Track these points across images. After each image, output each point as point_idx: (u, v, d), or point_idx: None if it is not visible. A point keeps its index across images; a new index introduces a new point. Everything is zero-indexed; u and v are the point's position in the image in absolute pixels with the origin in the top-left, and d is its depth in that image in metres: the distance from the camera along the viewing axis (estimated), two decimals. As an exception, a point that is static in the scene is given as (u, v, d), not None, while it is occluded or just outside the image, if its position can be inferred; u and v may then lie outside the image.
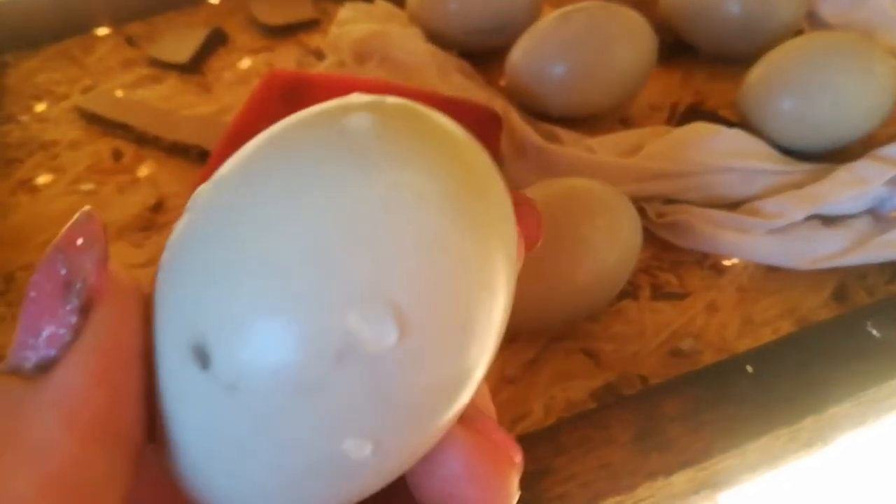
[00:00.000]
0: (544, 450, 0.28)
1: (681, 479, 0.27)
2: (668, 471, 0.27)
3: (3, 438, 0.11)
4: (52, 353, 0.12)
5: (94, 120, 0.47)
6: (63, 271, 0.12)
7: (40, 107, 0.49)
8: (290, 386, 0.12)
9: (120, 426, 0.12)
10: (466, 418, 0.14)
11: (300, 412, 0.12)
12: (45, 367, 0.12)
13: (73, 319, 0.12)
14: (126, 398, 0.12)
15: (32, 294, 0.12)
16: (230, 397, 0.12)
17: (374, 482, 0.13)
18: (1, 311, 0.37)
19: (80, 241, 0.12)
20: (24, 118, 0.48)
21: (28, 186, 0.43)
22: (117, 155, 0.45)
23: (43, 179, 0.44)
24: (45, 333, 0.12)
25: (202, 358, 0.12)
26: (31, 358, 0.12)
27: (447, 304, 0.12)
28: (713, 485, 0.28)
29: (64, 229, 0.13)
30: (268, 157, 0.13)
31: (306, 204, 0.12)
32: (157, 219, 0.40)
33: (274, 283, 0.11)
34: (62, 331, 0.12)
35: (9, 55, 0.53)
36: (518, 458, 0.15)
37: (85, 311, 0.12)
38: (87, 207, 0.13)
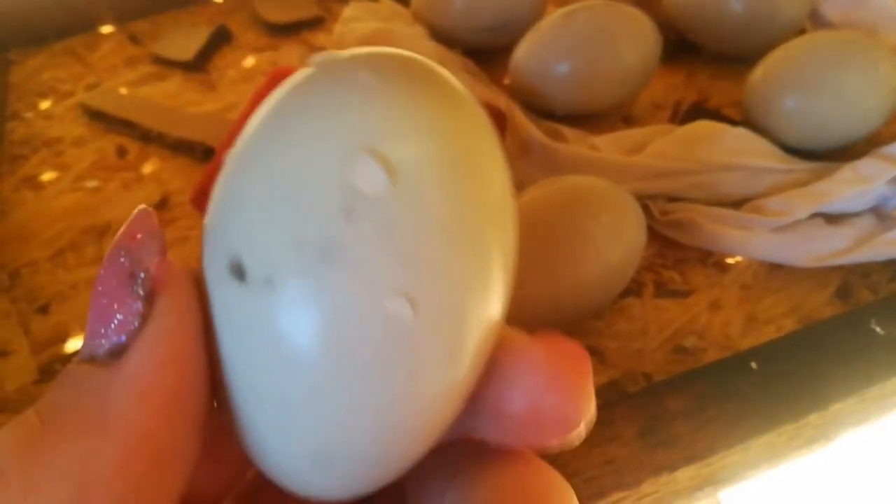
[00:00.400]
0: (549, 446, 0.28)
1: (685, 475, 0.28)
2: (673, 466, 0.27)
3: (86, 420, 0.12)
4: (123, 339, 0.13)
5: (98, 117, 0.47)
6: (127, 265, 0.13)
7: (45, 104, 0.49)
8: (314, 256, 0.12)
9: (190, 398, 0.13)
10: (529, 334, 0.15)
11: (332, 281, 0.12)
12: (118, 353, 0.13)
13: (140, 307, 0.13)
14: (193, 373, 0.13)
15: (100, 288, 0.13)
16: (270, 296, 0.13)
17: (432, 363, 0.13)
18: (6, 307, 0.37)
19: (139, 237, 0.14)
20: (29, 115, 0.48)
21: (33, 183, 0.43)
22: (122, 152, 0.45)
23: (47, 176, 0.44)
24: (114, 322, 0.13)
25: (238, 272, 0.13)
26: (104, 345, 0.13)
27: (430, 146, 0.13)
28: (716, 482, 0.28)
29: (124, 226, 0.14)
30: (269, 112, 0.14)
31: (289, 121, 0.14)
32: (161, 216, 0.40)
33: (271, 170, 0.13)
34: (130, 318, 0.13)
35: (13, 52, 0.53)
36: (589, 364, 0.15)
37: (149, 299, 0.13)
38: (142, 206, 0.14)
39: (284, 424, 0.13)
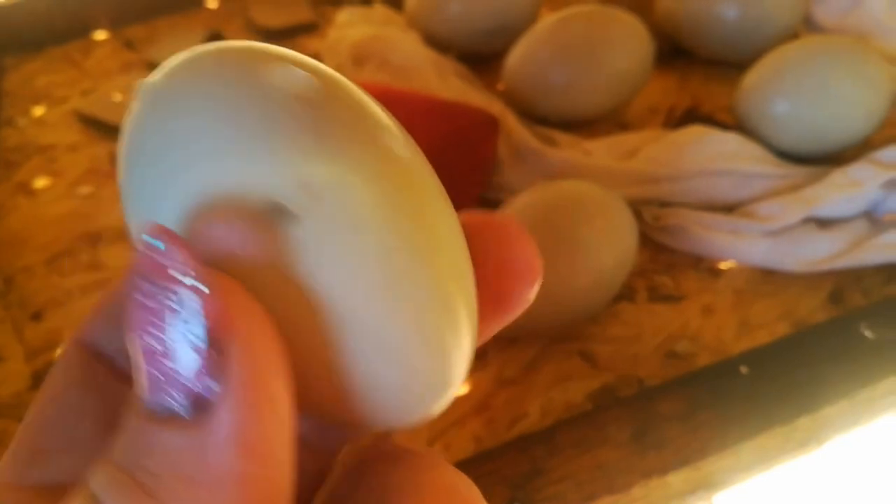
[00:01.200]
0: (539, 450, 0.29)
1: (676, 479, 0.28)
2: (664, 470, 0.27)
3: (197, 485, 0.11)
4: (205, 394, 0.11)
5: (92, 123, 0.47)
6: (171, 308, 0.11)
7: (39, 110, 0.49)
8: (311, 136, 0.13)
9: (288, 422, 0.12)
10: None
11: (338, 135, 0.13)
12: (202, 407, 0.11)
13: (213, 359, 0.11)
14: (288, 396, 0.12)
15: (159, 346, 0.11)
16: (322, 205, 0.13)
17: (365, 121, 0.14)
18: (0, 313, 0.37)
19: (171, 271, 0.11)
20: (23, 121, 0.48)
21: (26, 190, 0.43)
22: (115, 159, 0.45)
23: (41, 183, 0.44)
24: (189, 379, 0.11)
25: (283, 212, 0.13)
26: (182, 402, 0.12)
27: None
28: (709, 485, 0.28)
29: (140, 254, 0.11)
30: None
31: None
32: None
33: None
34: (205, 372, 0.11)
35: (8, 58, 0.53)
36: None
37: (217, 344, 0.11)
38: (152, 223, 0.12)
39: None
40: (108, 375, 0.15)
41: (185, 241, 0.11)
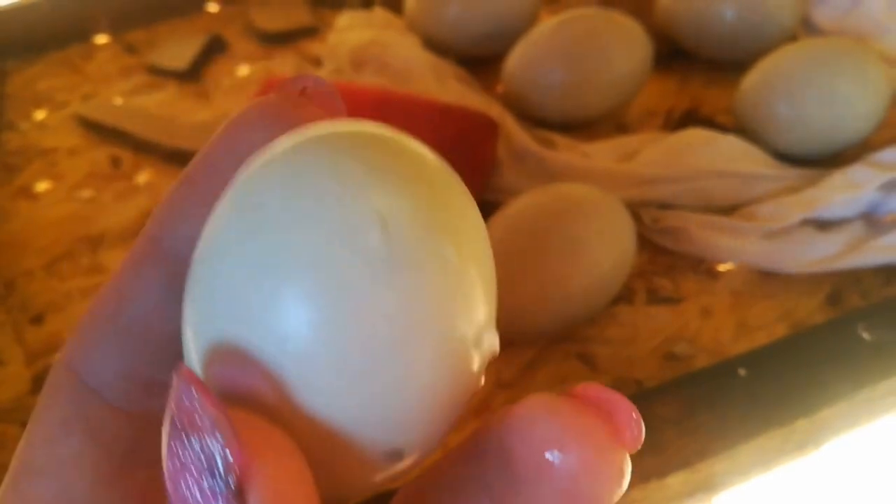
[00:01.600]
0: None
1: (675, 481, 0.28)
2: (663, 472, 0.27)
3: None
4: None
5: (93, 127, 0.47)
6: (196, 454, 0.11)
7: (40, 114, 0.49)
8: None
9: None
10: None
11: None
12: None
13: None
14: None
15: (178, 485, 0.11)
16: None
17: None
18: (0, 317, 0.37)
19: (197, 417, 0.11)
20: (24, 125, 0.48)
21: (27, 193, 0.43)
22: (116, 162, 0.45)
23: (42, 186, 0.44)
24: None
25: (397, 455, 0.13)
26: None
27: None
28: (707, 487, 0.28)
29: (173, 399, 0.11)
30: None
31: None
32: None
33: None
34: None
35: (9, 63, 0.53)
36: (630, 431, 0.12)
37: (241, 493, 0.11)
38: (182, 366, 0.12)
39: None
40: (100, 407, 0.15)
41: (204, 384, 0.11)
